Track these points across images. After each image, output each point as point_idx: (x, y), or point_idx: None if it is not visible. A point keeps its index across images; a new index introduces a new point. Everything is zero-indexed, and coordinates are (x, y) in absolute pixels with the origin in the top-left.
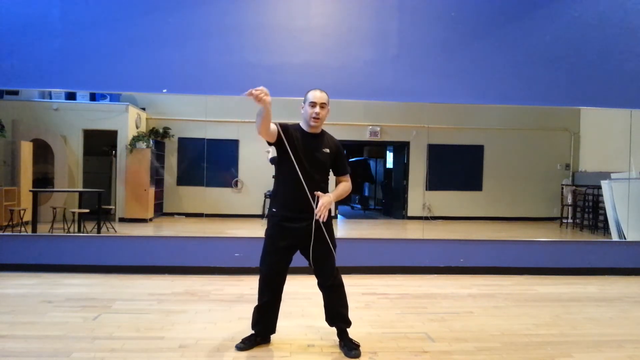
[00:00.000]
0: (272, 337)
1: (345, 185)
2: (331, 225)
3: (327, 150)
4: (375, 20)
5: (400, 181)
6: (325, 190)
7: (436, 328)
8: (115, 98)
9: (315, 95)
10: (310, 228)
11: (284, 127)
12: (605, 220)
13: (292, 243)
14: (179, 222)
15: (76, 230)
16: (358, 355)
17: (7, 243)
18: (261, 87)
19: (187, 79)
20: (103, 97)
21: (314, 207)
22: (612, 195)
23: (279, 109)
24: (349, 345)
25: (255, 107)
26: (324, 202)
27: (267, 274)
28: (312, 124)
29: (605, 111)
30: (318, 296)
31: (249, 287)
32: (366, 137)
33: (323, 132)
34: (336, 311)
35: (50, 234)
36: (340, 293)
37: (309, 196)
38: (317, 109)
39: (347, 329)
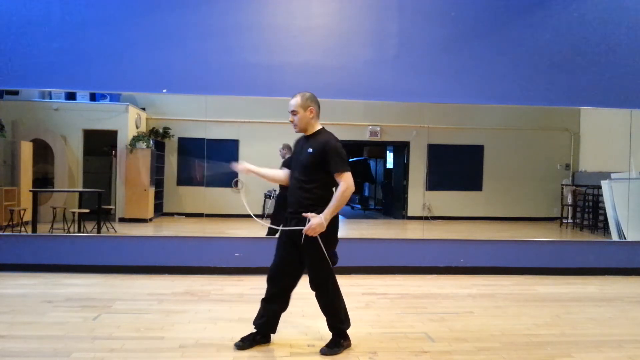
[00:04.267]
0: (272, 337)
1: (339, 191)
2: (324, 238)
3: (310, 150)
4: (375, 20)
5: (400, 181)
6: (310, 191)
7: (436, 328)
8: (115, 98)
9: (289, 103)
10: (292, 227)
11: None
12: (605, 220)
13: (290, 239)
14: (179, 222)
15: (76, 230)
16: (326, 352)
17: (7, 243)
18: (240, 165)
19: (187, 79)
20: (103, 97)
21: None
22: (612, 195)
23: (278, 110)
24: (328, 343)
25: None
26: (312, 225)
27: (271, 267)
28: (294, 129)
29: (605, 111)
30: None
31: (249, 287)
32: (366, 137)
33: (317, 133)
34: (325, 315)
35: (50, 234)
36: (323, 302)
37: (293, 196)
38: (290, 117)
39: (338, 332)
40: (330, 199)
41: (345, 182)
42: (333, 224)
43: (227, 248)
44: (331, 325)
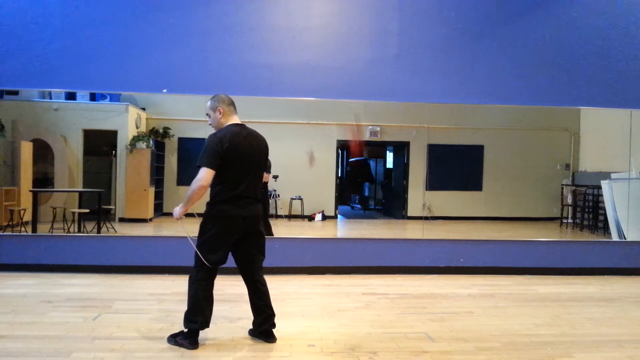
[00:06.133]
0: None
1: (191, 184)
2: (201, 225)
3: None
4: (375, 20)
5: (400, 181)
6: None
7: (436, 328)
8: (115, 98)
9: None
10: None
11: None
12: (605, 220)
13: None
14: (179, 222)
15: (76, 230)
16: (168, 340)
17: (7, 243)
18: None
19: (187, 79)
20: (103, 97)
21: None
22: (612, 195)
23: (278, 110)
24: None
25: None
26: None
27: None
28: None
29: (605, 111)
30: (318, 296)
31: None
32: (366, 137)
33: (222, 128)
34: None
35: (50, 234)
36: (187, 287)
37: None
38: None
39: (185, 327)
40: (218, 192)
41: (197, 176)
42: (208, 224)
43: None
44: (184, 316)
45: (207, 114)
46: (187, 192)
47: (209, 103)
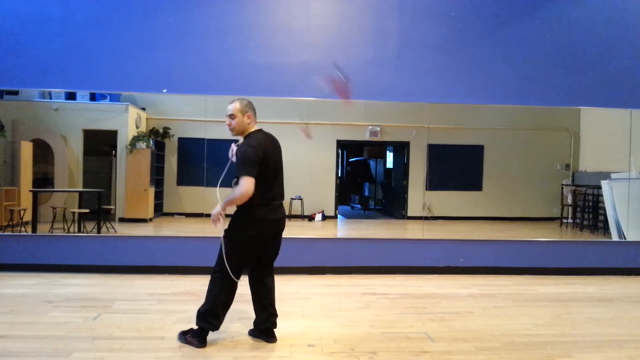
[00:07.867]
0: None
1: (236, 190)
2: (230, 228)
3: (235, 150)
4: (375, 20)
5: (400, 181)
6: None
7: (436, 328)
8: (115, 98)
9: (226, 108)
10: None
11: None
12: (605, 220)
13: None
14: (179, 222)
15: (76, 230)
16: (179, 338)
17: (7, 243)
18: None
19: (187, 79)
20: (103, 97)
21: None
22: (612, 195)
23: (279, 109)
24: (187, 330)
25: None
26: (212, 214)
27: None
28: (230, 132)
29: (605, 111)
30: (318, 296)
31: (249, 287)
32: (366, 137)
33: (246, 136)
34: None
35: (50, 234)
36: (207, 290)
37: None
38: (227, 121)
39: (198, 324)
40: (253, 198)
41: (242, 185)
42: (242, 228)
43: None
44: (197, 312)
45: (231, 115)
46: (229, 197)
47: (237, 105)
